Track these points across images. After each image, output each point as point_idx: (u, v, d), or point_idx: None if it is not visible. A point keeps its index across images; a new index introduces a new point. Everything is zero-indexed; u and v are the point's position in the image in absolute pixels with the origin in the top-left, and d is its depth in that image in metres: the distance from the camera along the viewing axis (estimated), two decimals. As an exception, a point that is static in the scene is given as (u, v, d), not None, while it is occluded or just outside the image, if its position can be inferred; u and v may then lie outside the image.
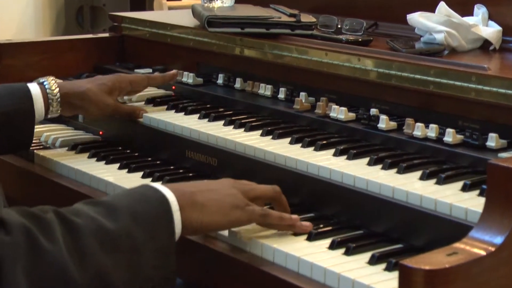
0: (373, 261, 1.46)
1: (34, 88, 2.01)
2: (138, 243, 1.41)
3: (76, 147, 2.15)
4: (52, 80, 2.04)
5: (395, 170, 1.65)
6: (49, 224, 1.33)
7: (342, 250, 1.51)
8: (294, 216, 1.59)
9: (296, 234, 1.58)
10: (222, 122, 2.01)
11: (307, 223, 1.59)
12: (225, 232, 1.61)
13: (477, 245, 1.30)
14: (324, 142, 1.81)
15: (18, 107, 1.97)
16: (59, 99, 2.03)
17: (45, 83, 2.03)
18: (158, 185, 1.51)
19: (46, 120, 2.17)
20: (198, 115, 2.08)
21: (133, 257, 1.40)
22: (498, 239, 1.29)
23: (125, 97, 2.22)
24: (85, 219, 1.37)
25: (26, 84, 2.03)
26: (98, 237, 1.37)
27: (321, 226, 1.61)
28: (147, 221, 1.44)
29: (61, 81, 2.10)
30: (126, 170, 1.97)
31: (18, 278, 1.26)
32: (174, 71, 2.24)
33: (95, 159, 2.08)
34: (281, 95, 2.10)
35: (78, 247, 1.34)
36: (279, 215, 1.58)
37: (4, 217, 1.30)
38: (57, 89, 2.03)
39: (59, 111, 2.05)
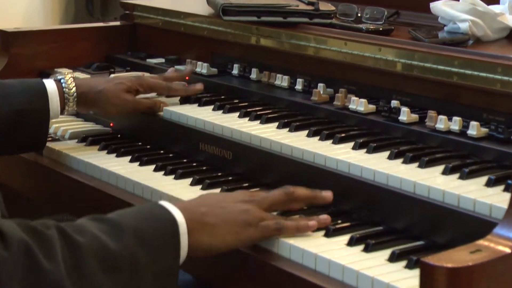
0: (393, 258, 1.46)
1: (50, 85, 2.01)
2: (140, 265, 1.41)
3: (86, 139, 2.16)
4: (70, 78, 2.04)
5: (416, 164, 1.65)
6: (50, 241, 1.33)
7: (361, 247, 1.51)
8: (311, 223, 1.57)
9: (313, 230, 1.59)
10: (237, 114, 2.02)
11: (324, 217, 1.59)
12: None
13: (502, 242, 1.30)
14: (343, 135, 1.81)
15: (32, 106, 1.97)
16: (76, 98, 2.03)
17: (62, 80, 2.03)
18: (168, 205, 1.50)
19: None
20: (212, 106, 2.08)
21: (134, 278, 1.40)
22: (524, 236, 1.30)
23: None
24: (88, 237, 1.37)
25: (42, 80, 2.03)
26: (100, 257, 1.36)
27: (340, 222, 1.61)
28: (153, 242, 1.43)
29: (78, 76, 2.10)
30: (138, 163, 1.98)
31: None
32: (199, 85, 2.18)
33: (106, 151, 2.08)
34: (299, 86, 2.11)
35: (78, 267, 1.33)
36: (295, 227, 1.56)
37: (4, 230, 1.30)
38: (75, 87, 2.03)
39: (75, 110, 2.06)
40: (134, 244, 1.40)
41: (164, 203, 1.51)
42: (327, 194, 1.63)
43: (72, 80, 2.03)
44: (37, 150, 2.11)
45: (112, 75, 2.21)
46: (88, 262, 1.34)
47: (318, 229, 1.58)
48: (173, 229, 1.46)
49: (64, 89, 2.02)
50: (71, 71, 2.07)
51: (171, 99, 2.18)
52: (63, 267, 1.31)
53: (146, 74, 2.27)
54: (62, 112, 2.03)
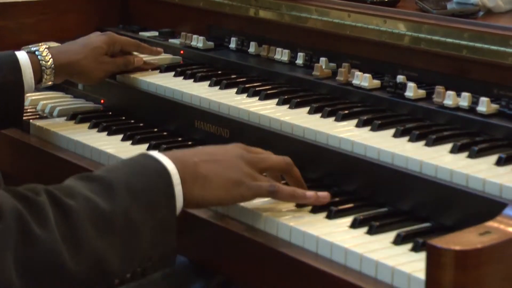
0: (398, 241, 1.46)
1: (22, 57, 2.01)
2: (136, 222, 1.42)
3: (76, 116, 2.16)
4: (45, 48, 2.04)
5: (423, 142, 1.65)
6: (42, 208, 1.33)
7: (365, 229, 1.51)
8: (309, 194, 1.58)
9: (314, 211, 1.59)
10: (235, 90, 2.01)
11: (324, 194, 1.59)
12: (238, 209, 1.62)
13: (512, 224, 1.30)
14: (346, 112, 1.81)
15: (5, 79, 1.97)
16: (53, 70, 2.04)
17: (36, 52, 2.03)
18: (158, 155, 1.51)
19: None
20: (208, 82, 2.08)
21: (131, 237, 1.41)
22: (535, 218, 1.30)
23: None
24: (79, 200, 1.38)
25: (14, 52, 2.03)
26: (93, 219, 1.37)
27: (342, 202, 1.61)
28: (146, 197, 1.44)
29: (54, 45, 2.10)
30: (130, 142, 1.98)
31: (8, 267, 1.27)
32: (160, 48, 2.28)
33: (96, 129, 2.09)
34: (299, 61, 2.10)
35: (72, 232, 1.34)
36: (290, 192, 1.58)
37: None
38: (51, 59, 2.03)
39: (52, 82, 2.06)
40: (127, 201, 1.41)
41: (154, 153, 1.52)
42: (323, 195, 1.60)
43: (48, 51, 2.04)
44: (14, 126, 2.11)
45: (83, 38, 2.21)
46: (81, 226, 1.35)
47: (319, 210, 1.58)
48: (165, 180, 1.47)
49: (40, 62, 2.02)
50: (45, 44, 2.07)
51: (163, 74, 2.18)
52: (57, 233, 1.32)
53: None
54: (37, 85, 2.04)
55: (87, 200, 1.39)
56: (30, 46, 2.06)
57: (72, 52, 2.11)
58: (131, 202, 1.42)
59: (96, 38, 2.17)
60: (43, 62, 2.02)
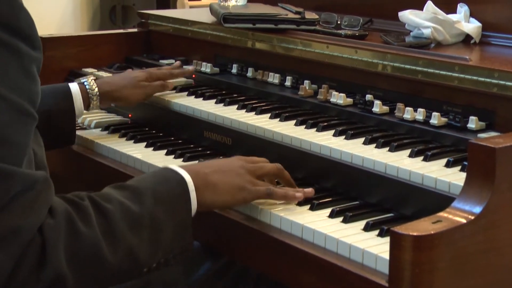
0: (367, 228, 1.45)
1: (74, 87, 2.00)
2: (160, 221, 1.40)
3: (109, 128, 2.15)
4: (92, 80, 2.03)
5: (387, 148, 1.64)
6: (86, 210, 1.32)
7: (341, 218, 1.50)
8: (298, 195, 1.57)
9: (300, 204, 1.57)
10: (236, 106, 2.00)
11: (309, 190, 1.58)
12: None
13: (458, 214, 1.29)
14: (325, 124, 1.80)
15: (59, 106, 1.96)
16: (99, 97, 2.02)
17: (85, 83, 2.02)
18: (177, 168, 1.49)
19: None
20: (214, 100, 2.07)
21: (156, 233, 1.39)
22: (477, 209, 1.29)
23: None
24: (115, 204, 1.36)
25: (67, 84, 2.01)
26: (126, 219, 1.36)
27: (322, 197, 1.60)
28: (168, 201, 1.42)
29: (102, 75, 2.09)
30: (152, 148, 1.97)
31: (60, 257, 1.26)
32: (192, 67, 2.25)
33: (125, 138, 2.07)
34: (288, 83, 2.09)
35: (110, 229, 1.33)
36: (283, 193, 1.56)
37: (53, 205, 1.30)
38: (96, 88, 2.02)
39: (99, 106, 2.05)
40: (152, 204, 1.40)
41: (173, 167, 1.50)
42: (308, 191, 1.59)
43: (94, 81, 2.03)
44: (68, 145, 2.06)
45: (127, 71, 2.21)
46: (117, 225, 1.34)
47: (304, 203, 1.57)
48: (183, 187, 1.45)
49: (88, 90, 2.01)
50: (93, 76, 2.06)
51: (179, 93, 2.17)
52: (98, 230, 1.31)
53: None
54: (88, 109, 2.02)
55: (121, 204, 1.37)
56: (81, 78, 2.04)
57: (114, 82, 2.09)
58: (156, 205, 1.40)
59: (136, 71, 2.17)
60: (90, 90, 2.01)
